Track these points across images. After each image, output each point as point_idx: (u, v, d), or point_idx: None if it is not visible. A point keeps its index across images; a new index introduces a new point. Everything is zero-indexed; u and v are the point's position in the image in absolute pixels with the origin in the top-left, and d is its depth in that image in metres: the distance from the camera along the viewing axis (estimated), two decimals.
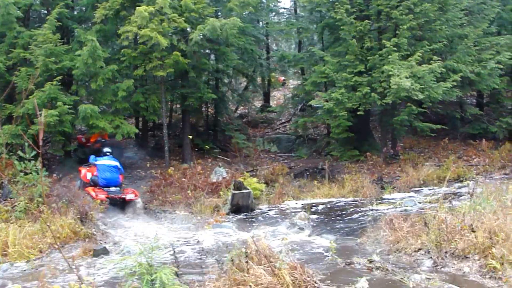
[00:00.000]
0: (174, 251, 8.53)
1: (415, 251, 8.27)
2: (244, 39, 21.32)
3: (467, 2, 20.27)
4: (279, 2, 28.94)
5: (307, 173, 19.55)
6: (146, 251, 7.33)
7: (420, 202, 13.15)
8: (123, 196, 14.35)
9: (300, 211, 13.16)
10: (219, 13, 20.86)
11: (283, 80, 31.13)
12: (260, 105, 30.81)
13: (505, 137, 21.17)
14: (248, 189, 14.67)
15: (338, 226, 11.86)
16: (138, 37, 17.28)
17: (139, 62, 18.31)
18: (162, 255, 8.39)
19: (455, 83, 18.25)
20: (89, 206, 12.09)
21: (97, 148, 17.13)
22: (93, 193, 13.77)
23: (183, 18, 17.73)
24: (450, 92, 18.50)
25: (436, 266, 7.71)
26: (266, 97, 31.19)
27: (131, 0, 18.07)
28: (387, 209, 12.66)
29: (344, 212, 13.20)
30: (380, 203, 13.79)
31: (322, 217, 12.88)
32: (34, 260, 9.29)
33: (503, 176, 15.99)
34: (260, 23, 27.05)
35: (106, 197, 13.74)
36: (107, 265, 8.76)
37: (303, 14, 26.54)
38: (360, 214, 12.70)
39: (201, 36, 18.38)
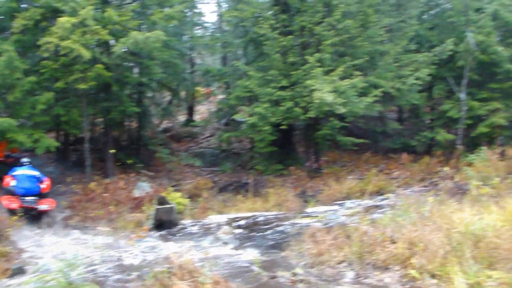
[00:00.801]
0: (95, 268, 8.33)
1: (338, 263, 8.35)
2: (168, 52, 21.16)
3: (387, 20, 20.86)
4: (203, 16, 28.98)
5: (231, 187, 19.53)
6: (65, 269, 7.11)
7: (343, 215, 13.32)
8: (36, 207, 13.92)
9: (224, 226, 13.12)
10: (144, 26, 20.62)
11: (211, 91, 31.12)
12: (184, 119, 30.65)
13: (424, 151, 21.85)
14: (171, 204, 14.51)
15: (262, 239, 11.86)
16: (59, 49, 16.82)
17: (60, 74, 17.76)
18: (82, 272, 8.17)
19: (376, 98, 18.68)
20: (4, 223, 11.65)
21: (11, 163, 16.69)
22: (5, 202, 13.43)
23: (107, 31, 17.38)
24: (371, 107, 18.97)
25: (358, 277, 7.81)
26: (190, 111, 31.07)
27: (52, 11, 17.51)
28: (311, 222, 12.75)
29: (268, 226, 13.21)
30: (303, 216, 13.87)
31: (246, 231, 12.84)
32: None
33: (422, 188, 16.39)
34: (185, 37, 26.95)
35: (19, 207, 13.35)
36: (23, 285, 8.45)
37: (228, 29, 26.64)
38: (284, 227, 12.73)
39: (124, 49, 18.12)
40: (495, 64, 21.25)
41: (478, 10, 21.88)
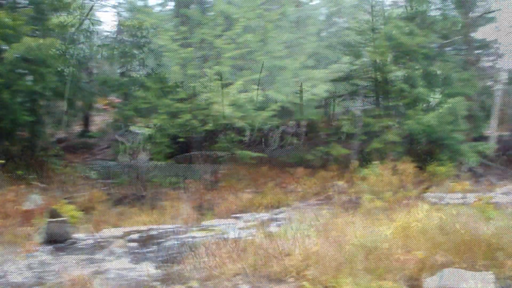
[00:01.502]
0: None
1: (233, 276, 8.34)
2: (64, 60, 20.57)
3: (287, 35, 21.28)
4: (102, 24, 28.47)
5: (127, 200, 19.16)
6: None
7: (239, 228, 13.35)
8: None
9: (118, 239, 12.85)
10: (38, 32, 19.93)
11: (112, 100, 30.47)
12: (80, 129, 29.87)
13: (320, 165, 22.31)
14: (64, 217, 14.04)
15: (158, 253, 11.68)
16: None
17: None
18: None
19: (274, 112, 18.97)
20: None
21: None
22: None
23: None
24: (269, 121, 19.23)
25: None
26: (87, 122, 30.31)
27: None
28: (207, 235, 12.71)
29: (164, 239, 13.04)
30: (200, 229, 13.82)
31: (141, 244, 12.62)
32: None
33: (317, 202, 16.74)
34: (82, 45, 26.31)
35: None
36: None
37: (127, 39, 26.26)
38: (180, 240, 12.61)
39: (17, 55, 17.46)
40: (389, 82, 22.13)
41: (373, 30, 22.72)
